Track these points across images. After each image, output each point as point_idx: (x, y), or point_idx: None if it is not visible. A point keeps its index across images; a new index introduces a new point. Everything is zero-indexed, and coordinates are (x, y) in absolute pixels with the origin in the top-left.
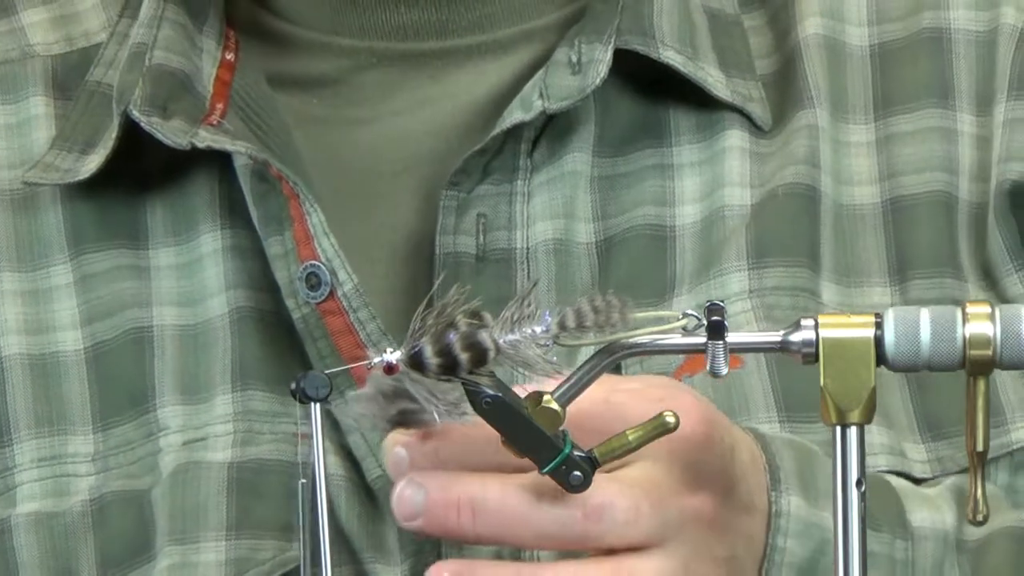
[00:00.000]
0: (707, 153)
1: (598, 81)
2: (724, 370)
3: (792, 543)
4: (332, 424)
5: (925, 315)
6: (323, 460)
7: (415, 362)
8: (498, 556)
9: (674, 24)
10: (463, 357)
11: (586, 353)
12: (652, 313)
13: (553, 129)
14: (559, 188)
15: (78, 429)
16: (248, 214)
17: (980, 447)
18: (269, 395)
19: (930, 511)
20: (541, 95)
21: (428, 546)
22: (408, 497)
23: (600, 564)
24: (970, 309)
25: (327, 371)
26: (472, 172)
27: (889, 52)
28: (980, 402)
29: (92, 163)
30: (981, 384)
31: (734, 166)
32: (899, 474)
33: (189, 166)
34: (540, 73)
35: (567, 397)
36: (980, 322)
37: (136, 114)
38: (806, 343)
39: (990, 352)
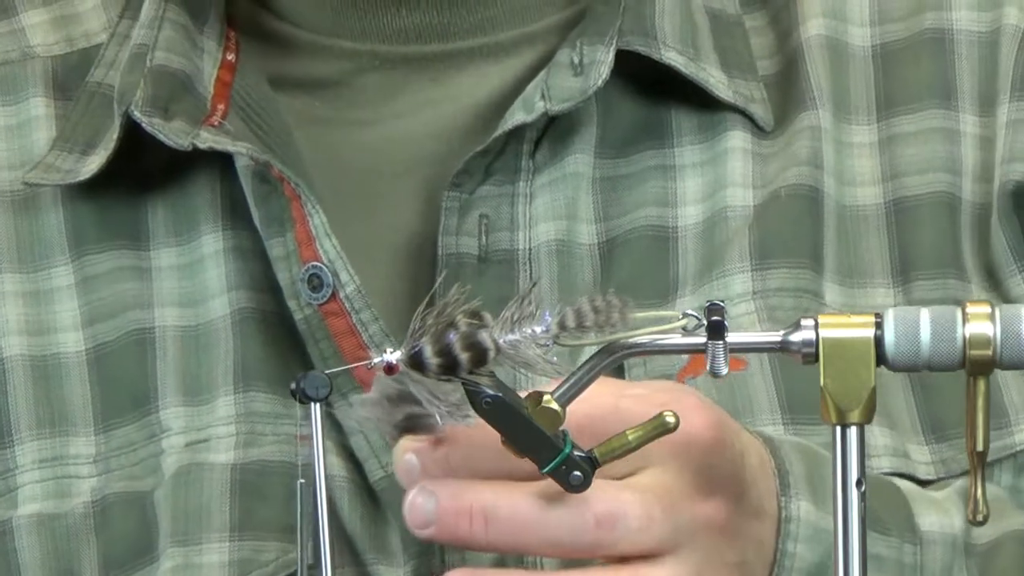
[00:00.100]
0: (709, 154)
1: (600, 82)
2: (724, 370)
3: (802, 548)
4: (334, 425)
5: (925, 315)
6: (323, 461)
7: (415, 362)
8: (500, 562)
9: (676, 25)
10: (463, 357)
11: (587, 353)
12: (652, 313)
13: (555, 130)
14: (561, 189)
15: (80, 430)
16: (249, 215)
17: (980, 447)
18: (271, 396)
19: (938, 515)
20: (543, 96)
21: (431, 548)
22: (420, 505)
23: (614, 572)
24: (970, 309)
25: (327, 371)
26: (474, 173)
27: (891, 53)
28: (980, 402)
29: (93, 164)
30: (981, 384)
31: (736, 167)
32: (903, 476)
33: (190, 167)
34: (542, 74)
35: (567, 397)
36: (980, 322)
37: (138, 115)
38: (806, 343)
39: (990, 352)
